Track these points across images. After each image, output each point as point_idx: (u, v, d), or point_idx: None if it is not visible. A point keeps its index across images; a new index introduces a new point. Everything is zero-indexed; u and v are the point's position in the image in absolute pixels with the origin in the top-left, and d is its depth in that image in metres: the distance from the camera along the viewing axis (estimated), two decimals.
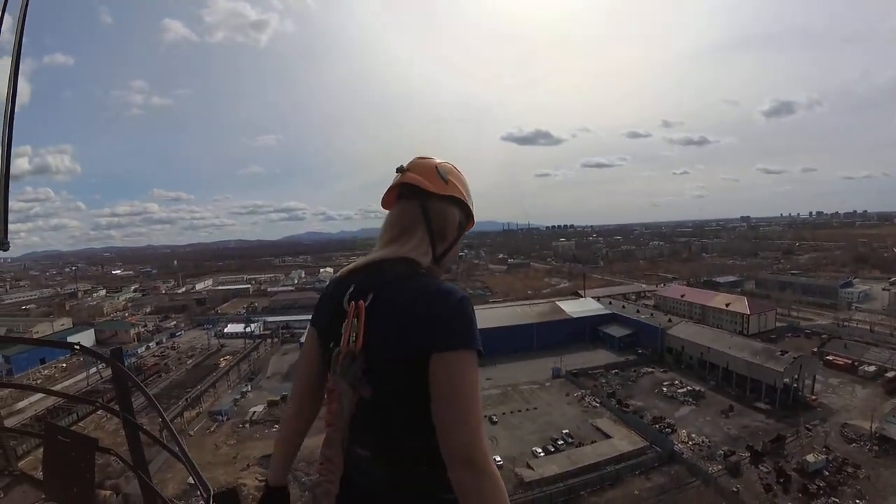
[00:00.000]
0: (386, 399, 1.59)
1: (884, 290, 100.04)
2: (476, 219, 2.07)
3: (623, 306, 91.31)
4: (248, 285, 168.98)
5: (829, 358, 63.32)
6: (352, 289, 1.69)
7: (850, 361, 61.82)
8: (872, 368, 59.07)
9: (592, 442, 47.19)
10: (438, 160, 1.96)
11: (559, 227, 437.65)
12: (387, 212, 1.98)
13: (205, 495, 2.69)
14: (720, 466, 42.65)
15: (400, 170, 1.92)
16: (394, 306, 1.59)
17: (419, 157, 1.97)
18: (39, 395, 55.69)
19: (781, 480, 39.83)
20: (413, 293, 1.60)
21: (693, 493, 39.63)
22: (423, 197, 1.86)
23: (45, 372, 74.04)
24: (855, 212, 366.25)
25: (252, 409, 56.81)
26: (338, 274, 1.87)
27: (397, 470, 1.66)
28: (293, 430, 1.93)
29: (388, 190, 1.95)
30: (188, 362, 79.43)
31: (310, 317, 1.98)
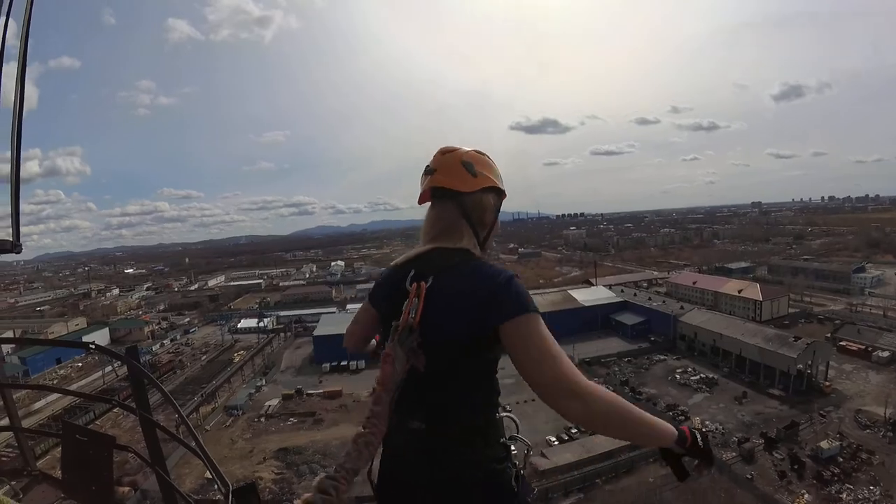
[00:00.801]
0: (440, 373, 1.73)
1: None
2: None
3: (635, 294, 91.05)
4: (260, 280, 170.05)
5: (843, 343, 62.82)
6: (412, 273, 1.85)
7: (863, 347, 61.23)
8: (886, 354, 58.43)
9: None
10: (463, 150, 2.01)
11: (569, 215, 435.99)
12: (425, 206, 2.06)
13: (223, 490, 2.72)
14: (734, 453, 42.67)
15: (428, 171, 2.00)
16: (452, 288, 1.75)
17: (443, 151, 2.03)
18: (56, 395, 56.38)
19: (795, 467, 39.78)
20: (469, 276, 1.76)
21: (707, 480, 39.54)
22: (457, 195, 1.95)
23: (61, 372, 75.00)
24: (867, 196, 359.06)
25: (267, 403, 57.33)
26: (396, 261, 2.01)
27: (449, 442, 1.78)
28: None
29: (422, 193, 2.04)
30: (202, 358, 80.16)
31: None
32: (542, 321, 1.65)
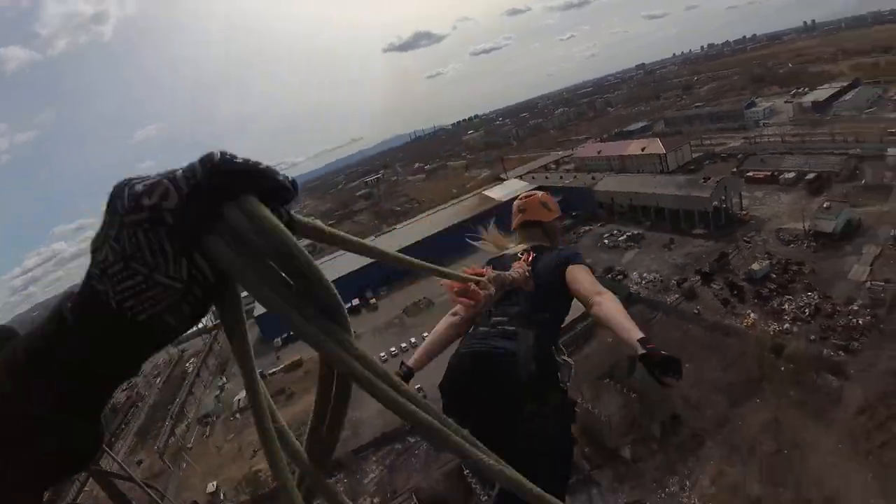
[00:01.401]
0: (535, 293, 2.77)
1: (786, 102, 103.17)
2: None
3: (546, 177, 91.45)
4: None
5: (750, 174, 66.11)
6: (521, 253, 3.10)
7: (769, 173, 64.70)
8: (792, 175, 61.69)
9: None
10: (539, 195, 3.48)
11: (465, 120, 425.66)
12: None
13: None
14: (677, 295, 45.36)
15: (520, 209, 3.41)
16: (546, 259, 2.99)
17: (525, 195, 3.52)
18: None
19: (735, 293, 42.65)
20: (555, 253, 3.06)
21: (658, 325, 41.80)
22: (541, 224, 3.37)
23: None
24: (744, 37, 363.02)
25: (236, 399, 55.86)
26: (507, 251, 3.26)
27: (523, 334, 2.61)
28: (447, 335, 2.92)
29: (516, 223, 3.44)
30: (157, 381, 76.62)
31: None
32: (587, 267, 2.87)
